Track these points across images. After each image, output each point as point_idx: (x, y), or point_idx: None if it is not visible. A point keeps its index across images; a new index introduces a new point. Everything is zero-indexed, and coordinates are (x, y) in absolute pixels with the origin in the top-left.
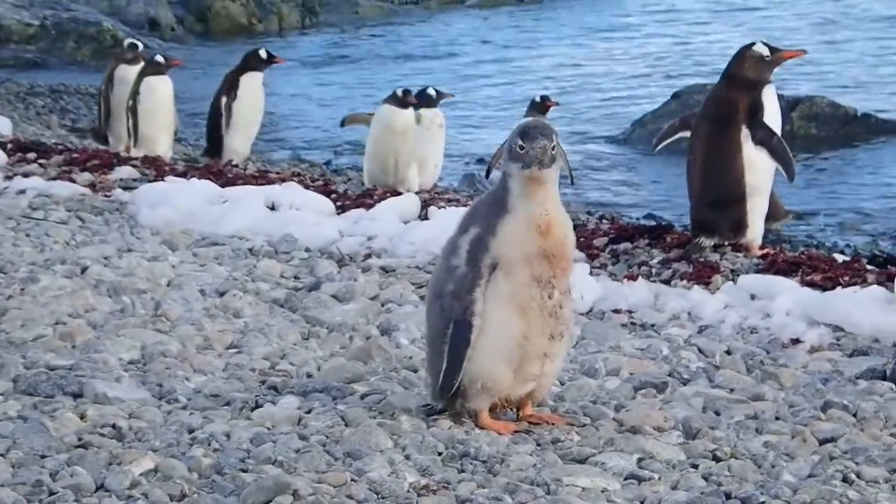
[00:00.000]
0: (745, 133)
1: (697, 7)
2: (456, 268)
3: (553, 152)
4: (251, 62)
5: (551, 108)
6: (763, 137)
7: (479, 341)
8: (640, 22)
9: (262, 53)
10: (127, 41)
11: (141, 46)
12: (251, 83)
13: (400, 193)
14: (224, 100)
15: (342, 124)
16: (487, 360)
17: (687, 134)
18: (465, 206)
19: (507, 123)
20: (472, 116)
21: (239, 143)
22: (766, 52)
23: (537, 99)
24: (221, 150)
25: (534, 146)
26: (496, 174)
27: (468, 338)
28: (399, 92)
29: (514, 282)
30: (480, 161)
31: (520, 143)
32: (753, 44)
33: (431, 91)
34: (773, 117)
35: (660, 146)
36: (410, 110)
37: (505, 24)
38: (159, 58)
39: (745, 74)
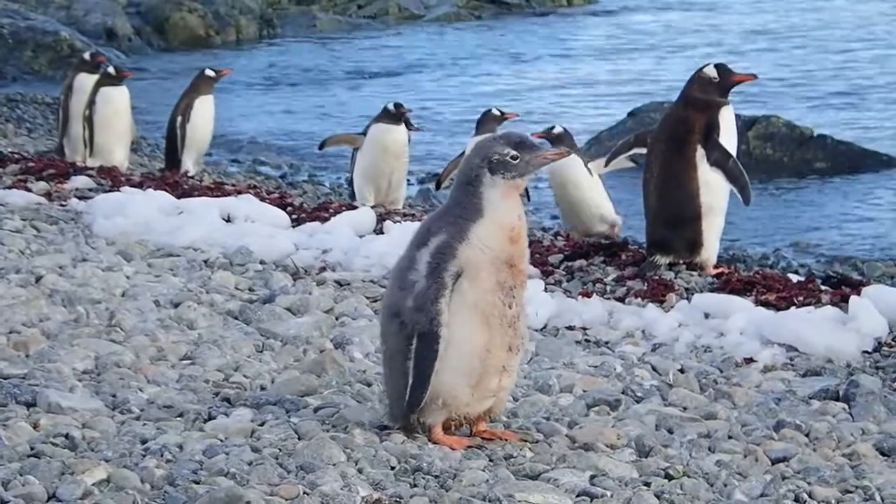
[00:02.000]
0: (700, 153)
1: (658, 29)
2: (414, 283)
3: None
4: (202, 86)
5: (511, 119)
6: (718, 159)
7: (442, 355)
8: (600, 42)
9: (210, 73)
10: (88, 53)
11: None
12: (203, 107)
13: (356, 207)
14: (179, 120)
15: (321, 147)
16: (449, 374)
17: (641, 150)
18: (420, 220)
19: (459, 139)
20: (425, 132)
21: (191, 161)
22: (714, 74)
23: (495, 112)
24: (179, 167)
25: (532, 156)
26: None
27: (436, 350)
28: (391, 107)
29: (479, 288)
30: (436, 176)
31: (512, 152)
32: (706, 66)
33: (391, 106)
34: (728, 138)
35: (613, 161)
36: (403, 127)
37: (462, 40)
38: (111, 69)
39: (698, 96)
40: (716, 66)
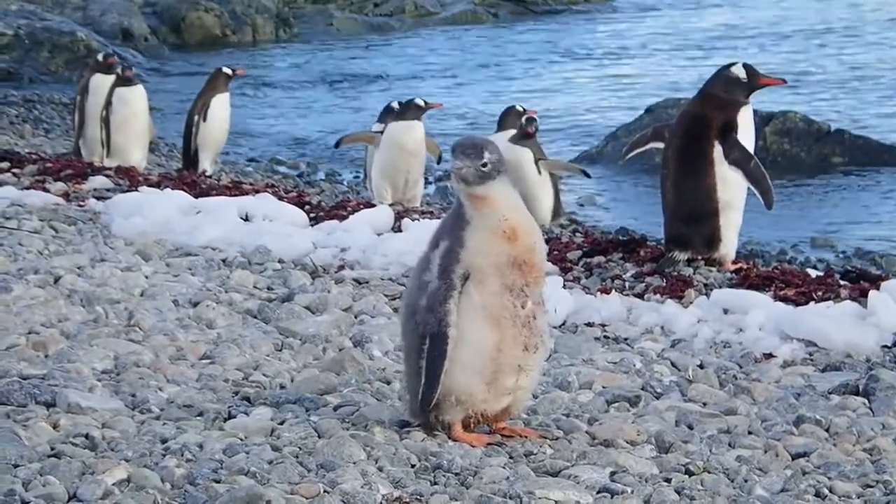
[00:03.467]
0: (717, 149)
1: (672, 26)
2: (428, 283)
3: (480, 170)
4: (218, 85)
5: (532, 115)
6: (739, 159)
7: (453, 354)
8: (616, 41)
9: (227, 71)
10: (102, 53)
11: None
12: (219, 105)
13: (374, 205)
14: (196, 119)
15: (337, 145)
16: (461, 372)
17: (658, 145)
18: (439, 218)
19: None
20: (445, 130)
21: (208, 159)
22: (742, 74)
23: (518, 108)
24: (197, 166)
25: (455, 166)
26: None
27: (444, 350)
28: (407, 103)
29: (486, 292)
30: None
31: (457, 164)
32: (733, 64)
33: (419, 101)
34: (746, 137)
35: (630, 155)
36: (421, 124)
37: (479, 39)
38: (120, 70)
39: (720, 94)
40: (744, 65)
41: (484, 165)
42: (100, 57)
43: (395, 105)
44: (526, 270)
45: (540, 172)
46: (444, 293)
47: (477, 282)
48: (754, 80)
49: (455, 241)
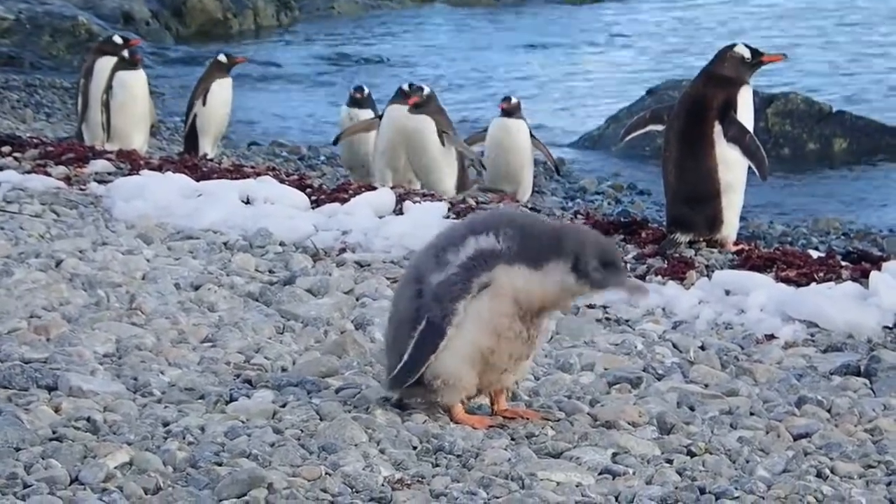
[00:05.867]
0: (717, 130)
1: (672, 12)
2: (447, 264)
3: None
4: (219, 69)
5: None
6: (735, 135)
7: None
8: (623, 28)
9: (222, 58)
10: (116, 36)
11: (120, 41)
12: (221, 89)
13: (375, 188)
14: (198, 103)
15: (335, 142)
16: (451, 359)
17: (656, 127)
18: (440, 200)
19: (476, 123)
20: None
21: (209, 143)
22: (747, 53)
23: (405, 87)
24: (198, 150)
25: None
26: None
27: (437, 343)
28: (406, 87)
29: (497, 311)
30: None
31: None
32: (735, 45)
33: (406, 87)
34: (745, 116)
35: (628, 138)
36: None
37: (480, 23)
38: (126, 53)
39: (723, 73)
40: (745, 45)
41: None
42: (117, 39)
43: (406, 87)
44: (545, 313)
45: (444, 144)
46: (458, 292)
47: (493, 296)
48: (757, 58)
49: (501, 253)
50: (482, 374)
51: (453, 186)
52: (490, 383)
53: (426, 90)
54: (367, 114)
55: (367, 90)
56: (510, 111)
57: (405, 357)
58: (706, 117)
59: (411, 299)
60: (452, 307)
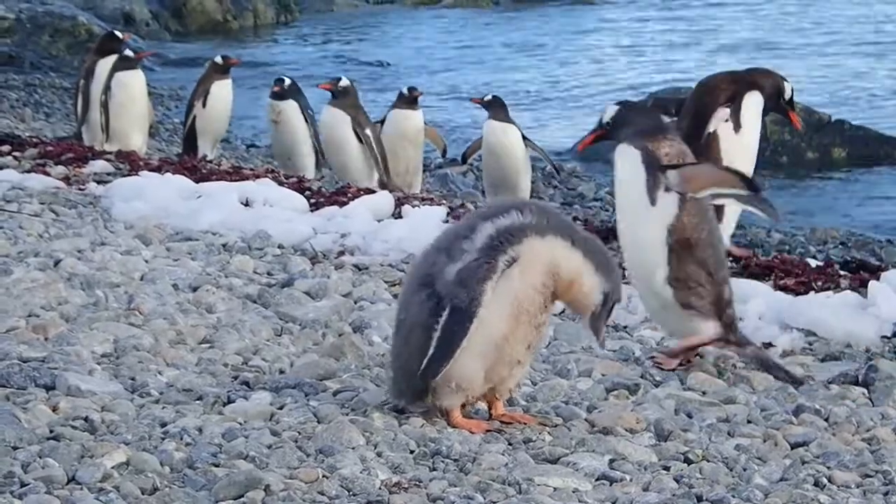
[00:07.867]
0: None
1: (671, 18)
2: (464, 253)
3: None
4: (219, 70)
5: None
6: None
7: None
8: (622, 31)
9: (218, 60)
10: (121, 35)
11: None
12: (221, 91)
13: (374, 192)
14: (197, 104)
15: (463, 161)
16: (467, 356)
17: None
18: (439, 205)
19: (476, 123)
20: (447, 117)
21: (209, 145)
22: (788, 92)
23: (404, 91)
24: (197, 151)
25: None
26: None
27: (467, 327)
28: (405, 91)
29: (527, 283)
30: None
31: None
32: (785, 80)
33: (405, 91)
34: (753, 121)
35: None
36: (420, 112)
37: (481, 26)
38: (129, 52)
39: (751, 79)
40: (791, 87)
41: None
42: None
43: (405, 91)
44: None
45: (361, 141)
46: (486, 272)
47: (524, 268)
48: (787, 105)
49: (534, 227)
50: (490, 371)
51: (374, 178)
52: (495, 382)
53: (344, 81)
54: (289, 105)
55: (287, 81)
56: (487, 107)
57: (432, 350)
58: (708, 120)
59: (423, 302)
60: (481, 288)
